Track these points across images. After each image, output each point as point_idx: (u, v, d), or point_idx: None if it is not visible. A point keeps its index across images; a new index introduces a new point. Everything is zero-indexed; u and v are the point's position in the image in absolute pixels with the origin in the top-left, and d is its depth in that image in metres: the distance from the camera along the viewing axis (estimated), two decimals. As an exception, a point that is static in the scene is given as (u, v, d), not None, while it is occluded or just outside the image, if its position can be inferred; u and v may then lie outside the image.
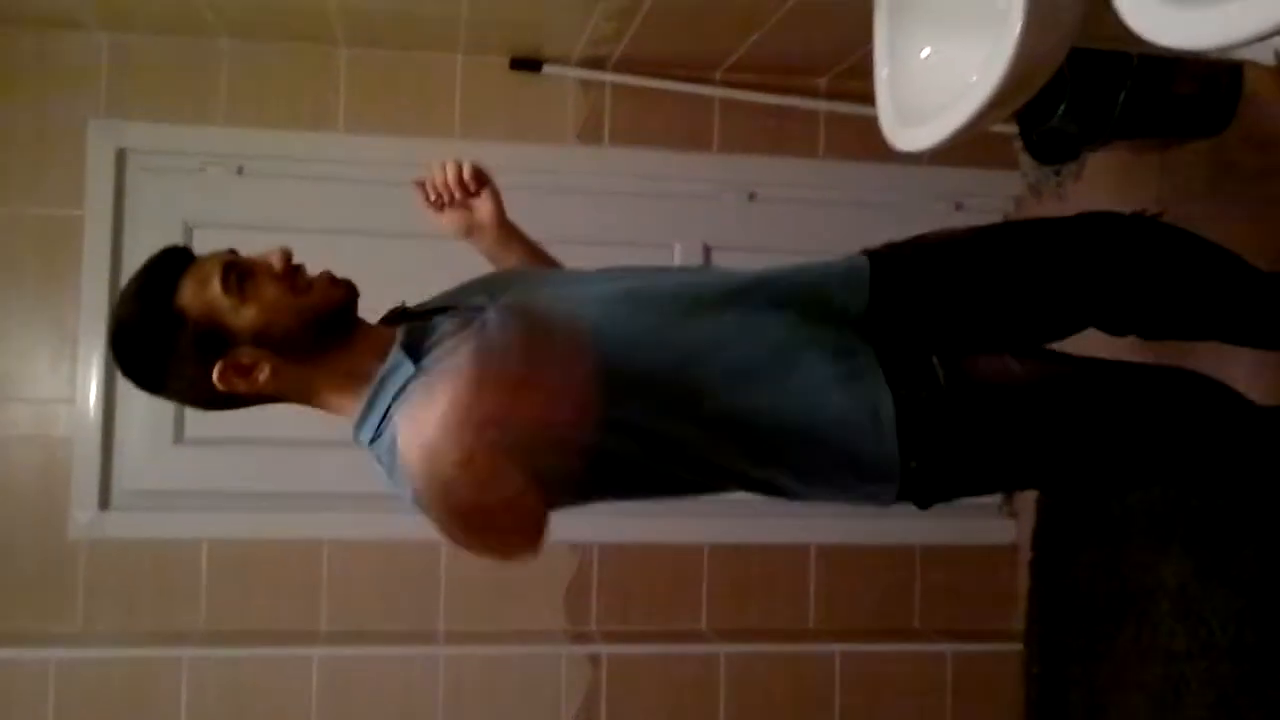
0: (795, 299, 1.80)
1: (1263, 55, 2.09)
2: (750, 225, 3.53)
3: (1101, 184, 3.20)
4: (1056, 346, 1.98)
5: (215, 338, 1.64)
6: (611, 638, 3.38)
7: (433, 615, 3.36)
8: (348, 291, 1.73)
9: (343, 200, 3.38)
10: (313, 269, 1.73)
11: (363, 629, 3.33)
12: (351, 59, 3.36)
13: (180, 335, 1.63)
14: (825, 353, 1.75)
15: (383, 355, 1.69)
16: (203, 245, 3.21)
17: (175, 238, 3.27)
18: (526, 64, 3.38)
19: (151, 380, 1.70)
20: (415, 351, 1.69)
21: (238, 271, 1.65)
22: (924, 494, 1.80)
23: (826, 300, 1.82)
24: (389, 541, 3.32)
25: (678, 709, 3.36)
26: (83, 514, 3.25)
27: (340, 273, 1.76)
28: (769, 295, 1.80)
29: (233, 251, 1.71)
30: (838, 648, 3.43)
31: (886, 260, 1.90)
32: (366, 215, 3.38)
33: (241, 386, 1.67)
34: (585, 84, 3.43)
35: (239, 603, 3.31)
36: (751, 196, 3.54)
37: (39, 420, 3.26)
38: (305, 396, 1.74)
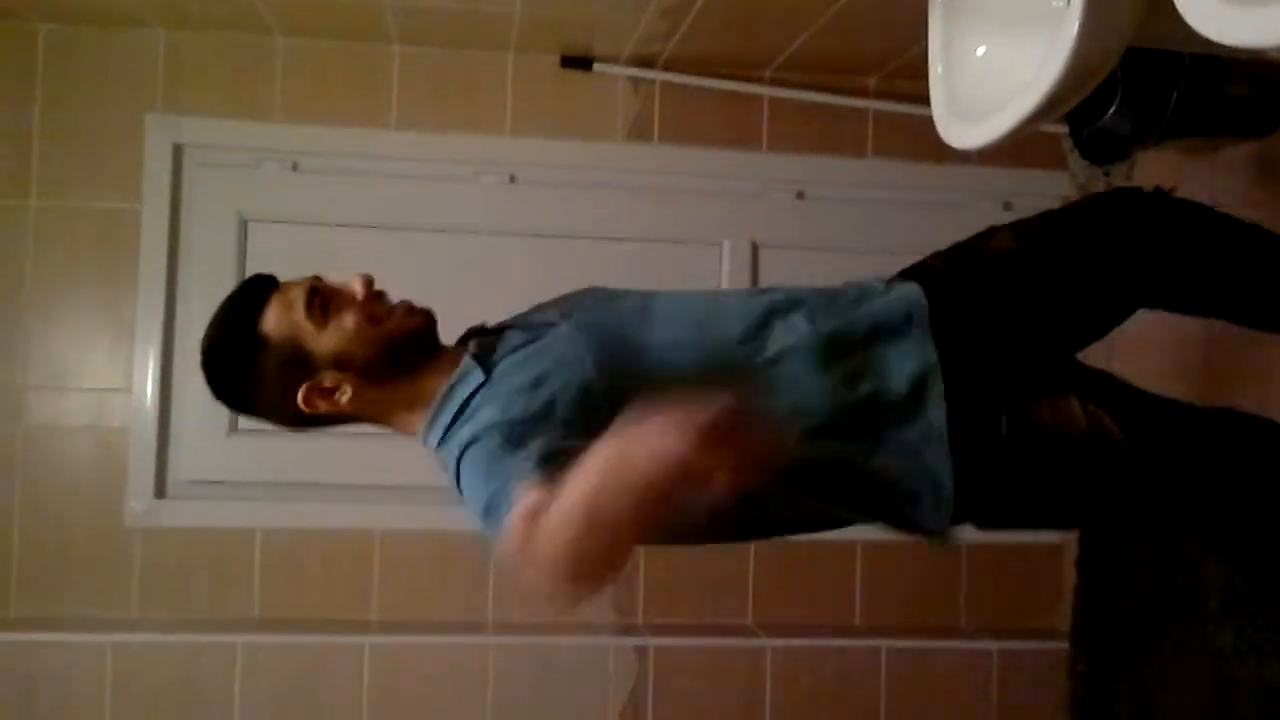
0: (876, 342, 1.80)
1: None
2: (798, 224, 3.55)
3: (1151, 184, 3.19)
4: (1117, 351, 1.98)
5: (299, 362, 1.72)
6: (658, 630, 3.41)
7: (482, 606, 3.40)
8: (425, 320, 1.79)
9: (395, 196, 3.42)
10: (394, 296, 1.80)
11: (413, 618, 3.37)
12: (404, 56, 3.40)
13: (265, 359, 1.72)
14: (904, 413, 1.75)
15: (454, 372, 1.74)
16: (257, 239, 3.32)
17: (231, 232, 3.34)
18: (577, 62, 3.41)
19: (240, 401, 1.81)
20: (485, 361, 1.73)
21: (321, 298, 1.72)
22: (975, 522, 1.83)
23: (900, 336, 1.81)
24: (439, 532, 3.36)
25: (724, 702, 3.38)
26: (138, 502, 3.30)
27: (418, 298, 1.82)
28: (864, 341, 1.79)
29: (317, 278, 1.77)
30: (883, 643, 3.43)
31: (940, 292, 1.88)
32: (419, 211, 3.42)
33: (324, 407, 1.74)
34: (635, 82, 3.45)
35: (291, 591, 3.35)
36: (800, 195, 3.56)
37: (96, 410, 3.32)
38: (384, 417, 1.81)
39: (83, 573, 3.28)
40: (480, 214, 3.44)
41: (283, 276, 1.81)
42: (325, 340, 1.71)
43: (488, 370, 1.71)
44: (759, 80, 3.48)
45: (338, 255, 3.34)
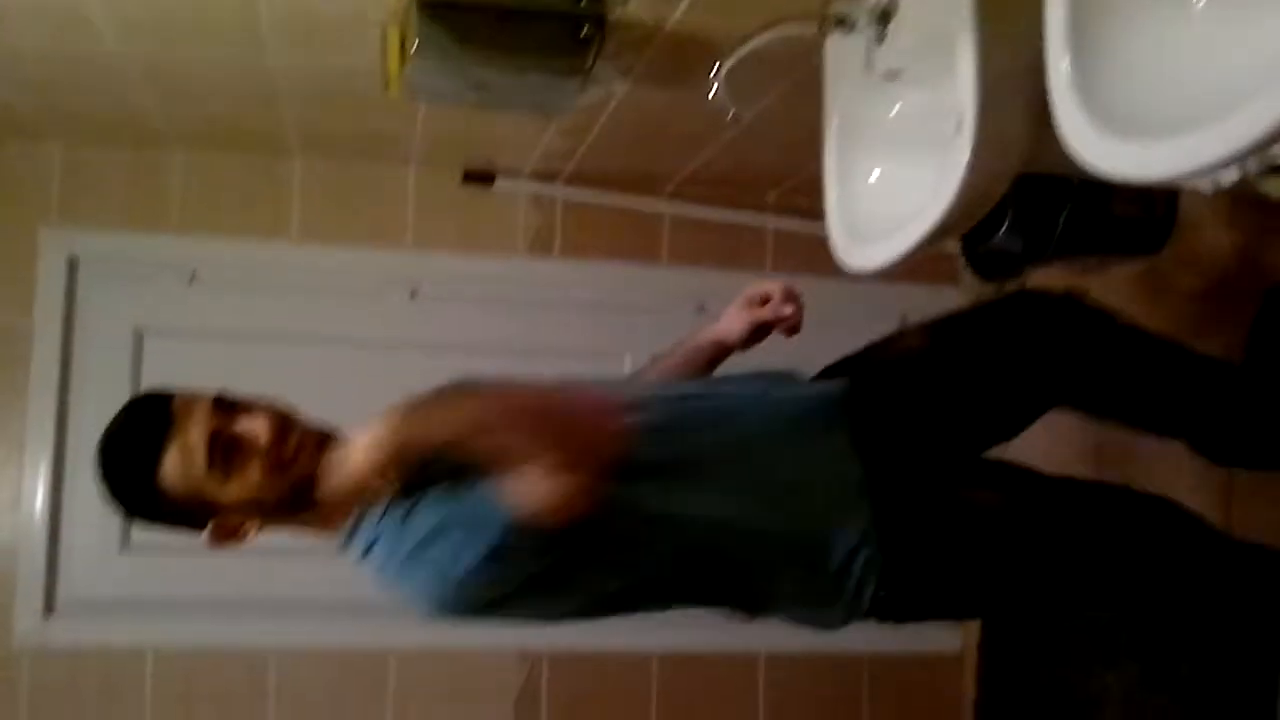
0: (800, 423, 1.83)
1: (1201, 184, 2.16)
2: (698, 338, 3.57)
3: (1060, 287, 3.26)
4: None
5: (202, 509, 1.63)
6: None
7: (380, 729, 3.34)
8: (325, 449, 1.68)
9: (296, 309, 3.40)
10: (301, 414, 1.70)
11: (309, 742, 3.30)
12: (305, 169, 3.41)
13: (165, 505, 1.63)
14: (827, 481, 1.77)
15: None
16: (154, 351, 3.25)
17: (126, 345, 3.29)
18: (479, 177, 3.44)
19: (149, 523, 1.70)
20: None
21: (223, 446, 1.60)
22: (881, 615, 1.81)
23: (823, 424, 1.83)
24: (337, 649, 3.31)
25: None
26: (26, 621, 3.21)
27: (325, 422, 1.72)
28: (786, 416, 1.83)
29: (218, 402, 1.64)
30: (786, 758, 3.43)
31: (858, 389, 1.91)
32: (320, 323, 3.40)
33: (230, 543, 1.67)
34: (537, 198, 3.48)
35: (184, 715, 3.27)
36: (701, 309, 3.58)
37: (-17, 529, 3.23)
38: (299, 530, 1.73)
39: (-35, 698, 3.18)
40: (382, 327, 3.43)
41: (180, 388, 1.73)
42: (229, 491, 1.62)
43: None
44: (660, 195, 3.53)
45: (235, 367, 3.32)
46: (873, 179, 2.07)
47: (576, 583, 1.65)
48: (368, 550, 1.66)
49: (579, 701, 3.43)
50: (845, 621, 1.82)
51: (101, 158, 3.32)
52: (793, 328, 2.06)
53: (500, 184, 3.43)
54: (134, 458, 1.63)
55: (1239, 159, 1.15)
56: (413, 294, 3.45)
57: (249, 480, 1.61)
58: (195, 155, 3.35)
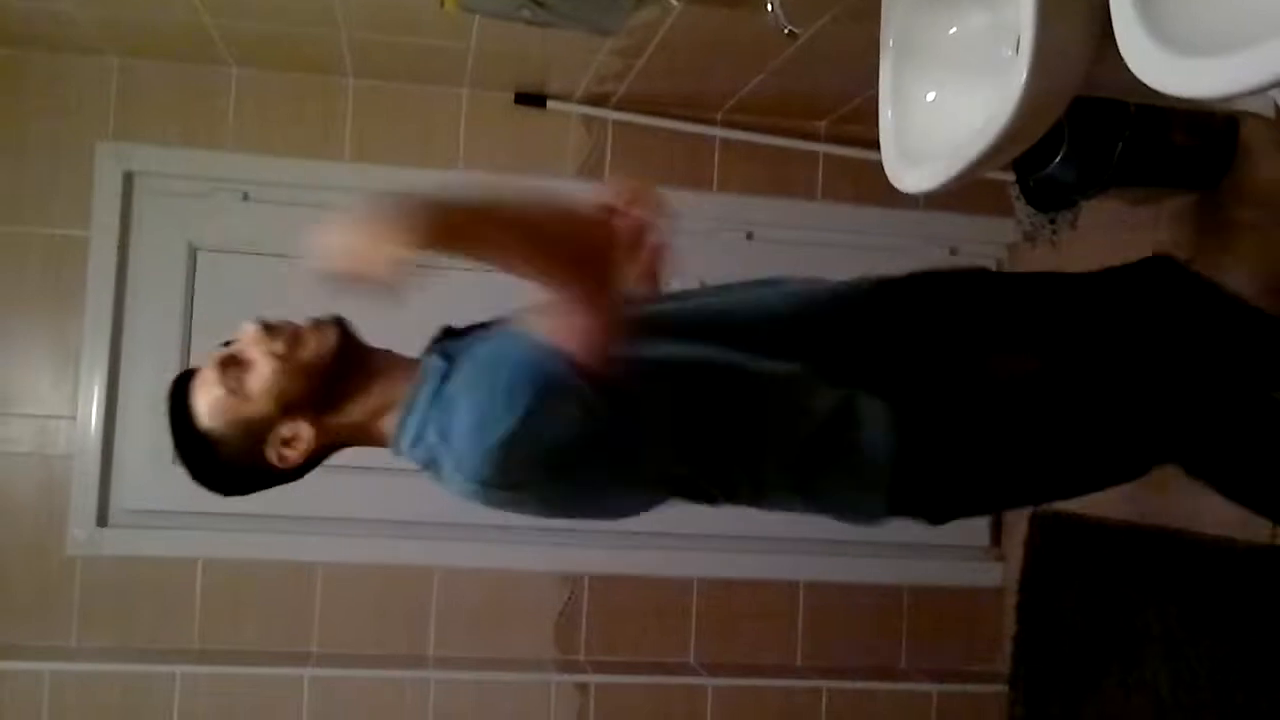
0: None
1: (1263, 106, 2.13)
2: (747, 264, 3.54)
3: (1096, 234, 3.24)
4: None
5: (249, 431, 1.68)
6: (600, 668, 3.41)
7: (424, 640, 3.40)
8: (337, 329, 1.73)
9: (347, 228, 3.42)
10: (296, 317, 1.74)
11: (354, 652, 3.36)
12: (359, 89, 3.42)
13: (223, 448, 1.68)
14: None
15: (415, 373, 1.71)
16: (207, 267, 3.30)
17: (180, 261, 3.33)
18: (531, 99, 3.44)
19: (242, 488, 1.77)
20: (446, 354, 1.70)
21: (230, 365, 1.68)
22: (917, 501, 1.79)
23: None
24: (383, 565, 3.37)
25: (665, 740, 3.39)
26: (80, 531, 3.28)
27: (324, 309, 1.74)
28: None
29: (225, 345, 1.73)
30: (824, 684, 3.45)
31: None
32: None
33: (294, 456, 1.70)
34: (588, 120, 3.48)
35: (232, 622, 3.34)
36: (749, 236, 3.59)
37: (40, 437, 3.30)
38: (360, 437, 1.75)
39: (22, 600, 3.26)
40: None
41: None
42: (256, 400, 1.67)
43: (449, 358, 1.67)
44: (710, 121, 3.52)
45: (286, 286, 3.37)
46: (928, 100, 2.06)
47: (629, 454, 1.67)
48: (418, 439, 1.67)
49: (618, 623, 3.47)
50: (873, 496, 1.77)
51: (158, 73, 3.34)
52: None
53: (552, 106, 3.43)
54: (176, 421, 1.70)
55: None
56: (464, 214, 3.46)
57: (263, 377, 1.67)
58: (251, 73, 3.37)
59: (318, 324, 1.72)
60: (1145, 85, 1.32)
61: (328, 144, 3.41)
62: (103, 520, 3.31)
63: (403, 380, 1.71)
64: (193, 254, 3.37)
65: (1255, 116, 2.25)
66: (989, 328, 1.95)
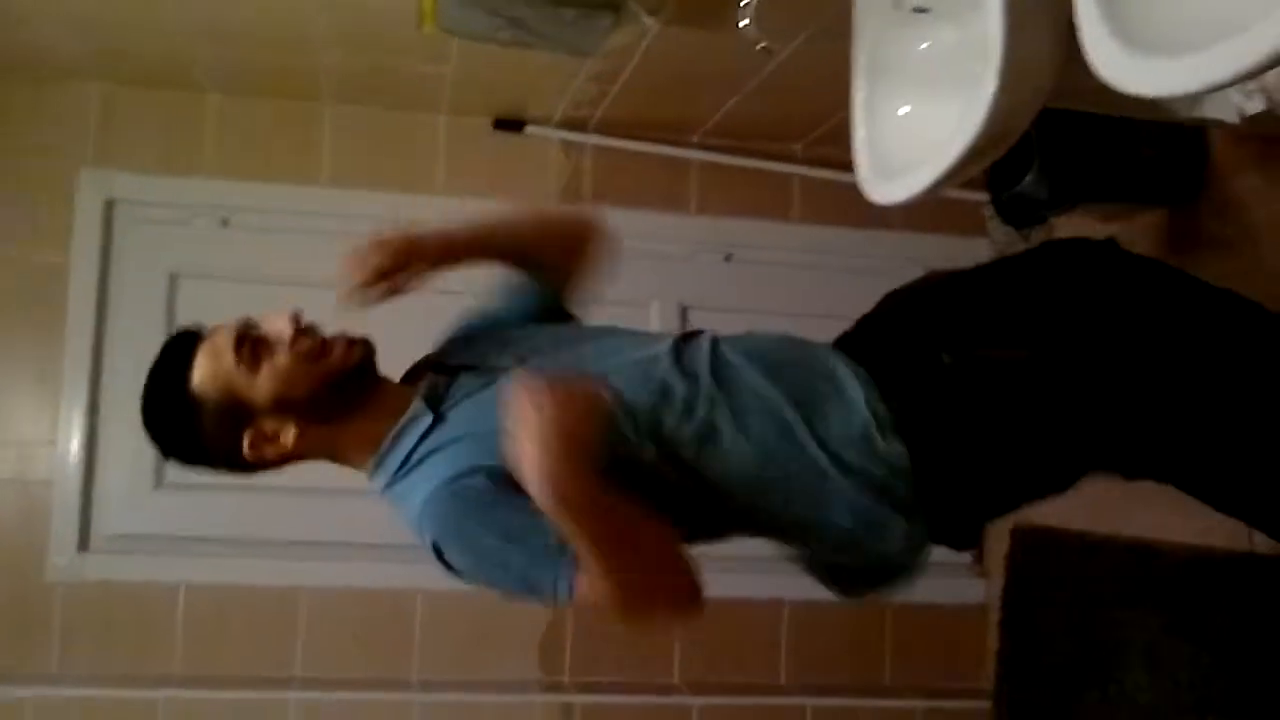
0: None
1: (1226, 113, 2.17)
2: (726, 286, 3.60)
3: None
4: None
5: (236, 412, 1.67)
6: (585, 688, 3.41)
7: (407, 663, 3.39)
8: (364, 350, 1.74)
9: (326, 253, 3.40)
10: (329, 328, 1.75)
11: (338, 675, 3.35)
12: (337, 115, 3.44)
13: (202, 418, 1.66)
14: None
15: (404, 411, 1.72)
16: (187, 295, 3.31)
17: (160, 287, 3.34)
18: (509, 124, 3.46)
19: (190, 459, 1.75)
20: (435, 402, 1.72)
21: (250, 342, 1.67)
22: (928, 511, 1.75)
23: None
24: (366, 589, 3.36)
25: (651, 760, 3.39)
26: (61, 556, 3.27)
27: (354, 329, 1.77)
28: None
29: (245, 321, 1.71)
30: (809, 701, 3.46)
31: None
32: (350, 268, 3.43)
33: (270, 453, 1.70)
34: (567, 145, 3.50)
35: (215, 647, 3.33)
36: (728, 258, 3.62)
37: (20, 463, 3.29)
38: (332, 454, 1.76)
39: (2, 626, 3.24)
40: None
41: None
42: (260, 386, 1.66)
43: (437, 413, 1.70)
44: (688, 144, 3.55)
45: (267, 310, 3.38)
46: (900, 114, 2.09)
47: None
48: (388, 485, 1.70)
49: (602, 644, 3.47)
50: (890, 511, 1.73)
51: (138, 101, 3.36)
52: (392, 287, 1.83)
53: (530, 131, 3.46)
54: (167, 370, 1.68)
55: (1249, 76, 1.18)
56: (442, 238, 3.48)
57: (278, 368, 1.66)
58: (230, 100, 3.40)
59: (350, 341, 1.73)
60: (1110, 92, 1.36)
61: (306, 169, 3.43)
62: (84, 545, 3.30)
63: (391, 416, 1.72)
64: (173, 280, 3.38)
65: (1221, 127, 2.28)
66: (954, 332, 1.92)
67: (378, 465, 1.72)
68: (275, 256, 3.42)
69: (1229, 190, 2.77)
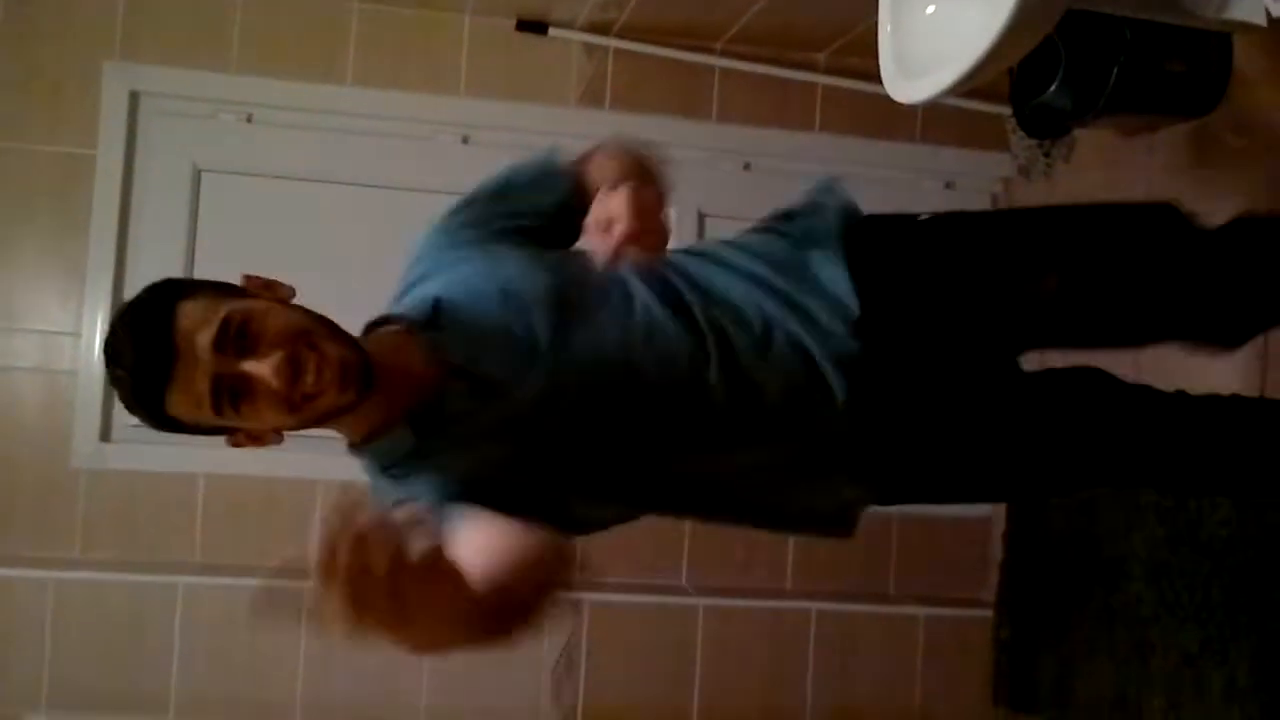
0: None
1: (1254, 15, 2.16)
2: (744, 194, 3.60)
3: (1090, 167, 3.28)
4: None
5: (218, 431, 1.54)
6: (593, 587, 3.46)
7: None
8: (358, 394, 1.51)
9: (348, 151, 3.46)
10: (320, 352, 1.49)
11: (352, 567, 3.40)
12: (363, 14, 3.45)
13: (184, 427, 1.51)
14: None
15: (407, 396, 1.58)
16: (211, 190, 3.34)
17: (184, 181, 3.37)
18: (533, 26, 3.47)
19: (162, 428, 1.53)
20: (425, 440, 1.59)
21: (229, 390, 1.45)
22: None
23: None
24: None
25: (656, 658, 3.45)
26: (84, 445, 3.33)
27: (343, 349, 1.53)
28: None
29: (219, 342, 1.44)
30: (813, 606, 3.51)
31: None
32: (372, 168, 3.46)
33: (246, 445, 1.57)
34: (589, 48, 3.51)
35: (232, 536, 3.39)
36: (747, 166, 3.63)
37: (45, 352, 3.35)
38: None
39: (27, 512, 3.32)
40: (433, 173, 3.47)
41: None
42: (246, 422, 1.50)
43: (423, 451, 1.59)
44: (711, 51, 3.55)
45: (289, 208, 3.42)
46: (927, 13, 2.09)
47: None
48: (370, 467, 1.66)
49: (614, 548, 3.48)
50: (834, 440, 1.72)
51: (165, -6, 3.38)
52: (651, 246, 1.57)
53: (553, 33, 3.46)
54: (139, 389, 1.47)
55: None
56: (465, 139, 3.51)
57: (263, 417, 1.49)
58: (256, -5, 3.42)
59: (342, 384, 1.49)
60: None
61: (331, 68, 3.45)
62: (106, 435, 3.35)
63: (383, 411, 1.58)
64: (197, 174, 3.41)
65: (1247, 32, 2.27)
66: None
67: (354, 448, 1.66)
68: (298, 154, 3.44)
69: (1251, 101, 2.77)
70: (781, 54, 3.57)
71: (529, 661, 3.41)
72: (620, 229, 1.50)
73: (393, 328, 1.66)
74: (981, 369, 1.84)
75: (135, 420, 1.49)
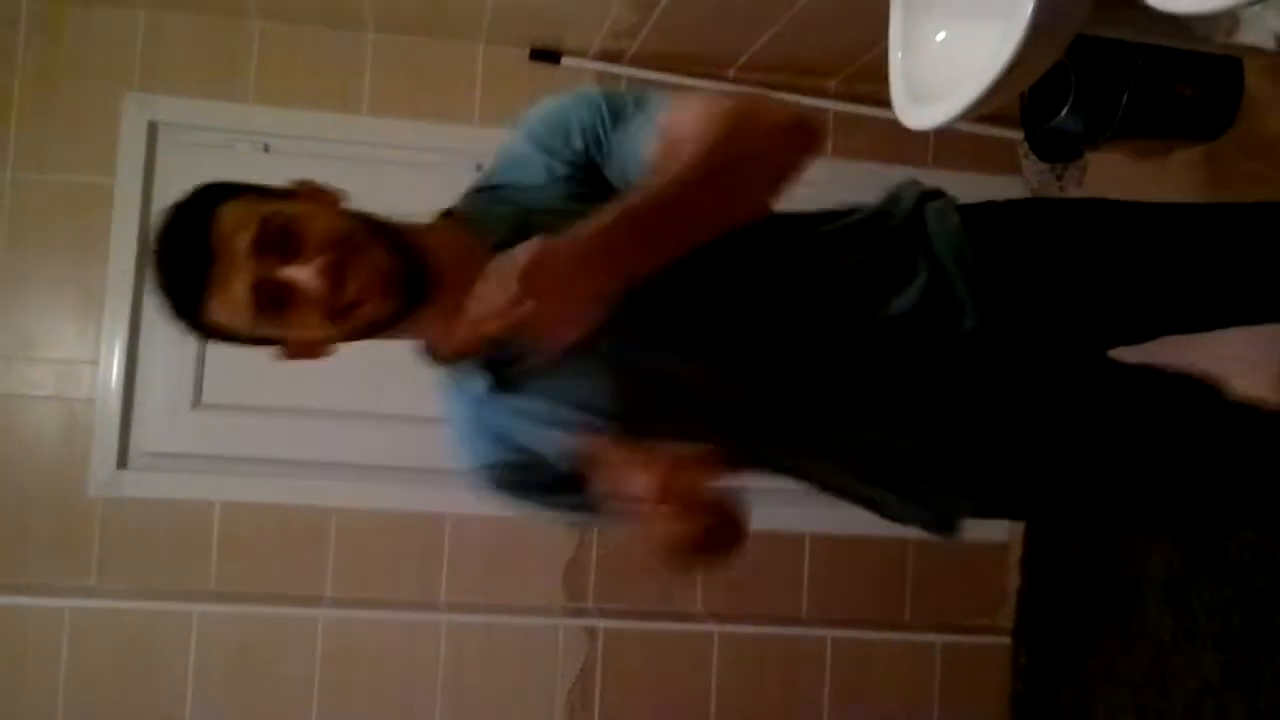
0: None
1: (1262, 39, 2.16)
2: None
3: (1102, 190, 3.28)
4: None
5: (266, 340, 1.48)
6: (608, 614, 3.46)
7: (435, 586, 3.45)
8: (403, 303, 1.45)
9: (364, 180, 3.42)
10: (366, 258, 1.43)
11: (367, 595, 3.42)
12: (378, 43, 3.48)
13: (226, 336, 1.46)
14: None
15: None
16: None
17: (202, 210, 3.37)
18: (546, 55, 3.49)
19: (206, 335, 1.48)
20: (499, 378, 1.53)
21: (270, 295, 1.39)
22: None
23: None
24: (395, 512, 3.42)
25: (671, 685, 3.44)
26: (101, 472, 3.34)
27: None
28: None
29: (260, 243, 1.38)
30: (829, 633, 3.50)
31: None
32: (387, 196, 3.43)
33: (311, 358, 1.50)
34: (602, 76, 3.52)
35: (248, 564, 3.40)
36: (761, 193, 3.63)
37: (63, 381, 3.36)
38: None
39: (44, 540, 3.33)
40: (448, 201, 3.46)
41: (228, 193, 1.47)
42: (290, 331, 1.44)
43: (506, 384, 1.53)
44: (723, 78, 3.56)
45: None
46: (937, 40, 2.10)
47: None
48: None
49: (627, 572, 3.52)
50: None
51: (184, 26, 3.41)
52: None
53: (566, 62, 3.49)
54: (179, 295, 1.42)
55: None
56: (479, 167, 3.52)
57: (308, 325, 1.43)
58: (273, 26, 3.44)
59: (385, 290, 1.43)
60: (1148, 17, 1.37)
61: (347, 98, 3.47)
62: (123, 463, 3.37)
63: (450, 319, 1.46)
64: (215, 205, 3.43)
65: (1257, 56, 2.29)
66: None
67: (431, 358, 1.59)
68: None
69: (1262, 126, 2.78)
70: (793, 80, 3.58)
71: (544, 688, 3.41)
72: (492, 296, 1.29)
73: (464, 231, 1.59)
74: (1085, 363, 1.74)
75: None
